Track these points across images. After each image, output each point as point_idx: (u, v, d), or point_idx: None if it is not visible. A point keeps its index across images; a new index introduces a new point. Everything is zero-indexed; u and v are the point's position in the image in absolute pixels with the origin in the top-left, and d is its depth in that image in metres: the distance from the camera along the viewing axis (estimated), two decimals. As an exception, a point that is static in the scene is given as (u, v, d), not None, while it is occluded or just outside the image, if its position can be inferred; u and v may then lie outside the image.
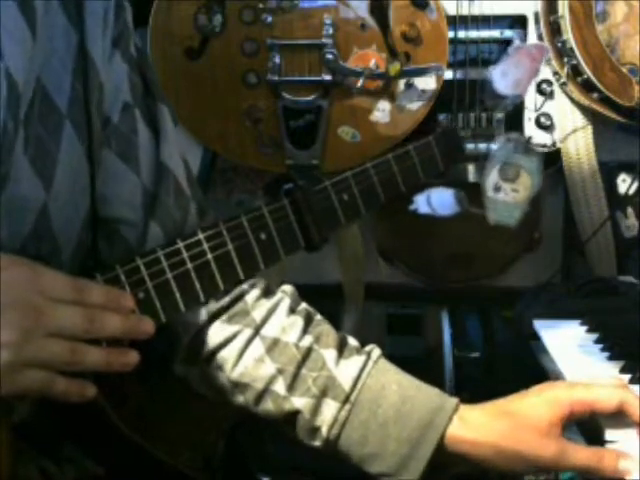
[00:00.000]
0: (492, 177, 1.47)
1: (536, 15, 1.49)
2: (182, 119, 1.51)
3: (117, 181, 0.84)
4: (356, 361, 0.85)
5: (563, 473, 1.55)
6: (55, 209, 0.76)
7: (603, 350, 1.04)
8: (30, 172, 0.74)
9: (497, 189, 1.47)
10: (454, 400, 0.83)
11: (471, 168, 1.50)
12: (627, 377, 0.94)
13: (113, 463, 0.95)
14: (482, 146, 1.51)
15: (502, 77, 1.40)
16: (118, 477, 0.96)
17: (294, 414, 0.84)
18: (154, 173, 0.86)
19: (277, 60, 1.43)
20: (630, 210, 1.60)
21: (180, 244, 0.74)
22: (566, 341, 1.09)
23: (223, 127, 1.47)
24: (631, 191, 1.60)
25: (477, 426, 0.81)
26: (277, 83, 1.44)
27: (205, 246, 0.75)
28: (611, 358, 1.01)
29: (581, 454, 0.79)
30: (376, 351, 0.87)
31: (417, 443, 0.81)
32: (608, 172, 1.59)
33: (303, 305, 0.91)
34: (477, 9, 1.49)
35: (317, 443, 0.85)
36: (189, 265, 0.74)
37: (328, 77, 1.43)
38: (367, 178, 0.86)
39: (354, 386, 0.84)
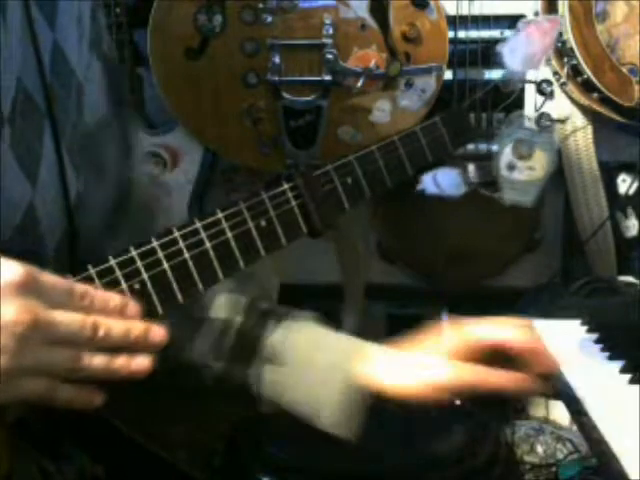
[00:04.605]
0: (505, 155, 1.42)
1: (536, 15, 1.49)
2: (182, 119, 1.51)
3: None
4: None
5: (562, 472, 1.55)
6: (41, 205, 0.76)
7: (603, 350, 1.04)
8: (16, 168, 0.73)
9: (511, 167, 1.41)
10: (367, 344, 0.84)
11: (471, 168, 1.50)
12: (627, 377, 0.94)
13: (113, 462, 0.95)
14: (482, 146, 1.51)
15: (511, 53, 1.32)
16: (117, 477, 0.96)
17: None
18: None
19: (277, 60, 1.43)
20: (630, 210, 1.60)
21: (176, 233, 0.71)
22: (566, 341, 1.09)
23: (223, 127, 1.47)
24: (631, 191, 1.60)
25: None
26: (277, 83, 1.43)
27: (203, 235, 0.73)
28: (611, 358, 1.01)
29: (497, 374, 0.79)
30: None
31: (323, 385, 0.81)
32: (608, 172, 1.59)
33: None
34: (477, 9, 1.49)
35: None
36: (186, 255, 0.72)
37: (328, 77, 1.43)
38: (372, 161, 0.85)
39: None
